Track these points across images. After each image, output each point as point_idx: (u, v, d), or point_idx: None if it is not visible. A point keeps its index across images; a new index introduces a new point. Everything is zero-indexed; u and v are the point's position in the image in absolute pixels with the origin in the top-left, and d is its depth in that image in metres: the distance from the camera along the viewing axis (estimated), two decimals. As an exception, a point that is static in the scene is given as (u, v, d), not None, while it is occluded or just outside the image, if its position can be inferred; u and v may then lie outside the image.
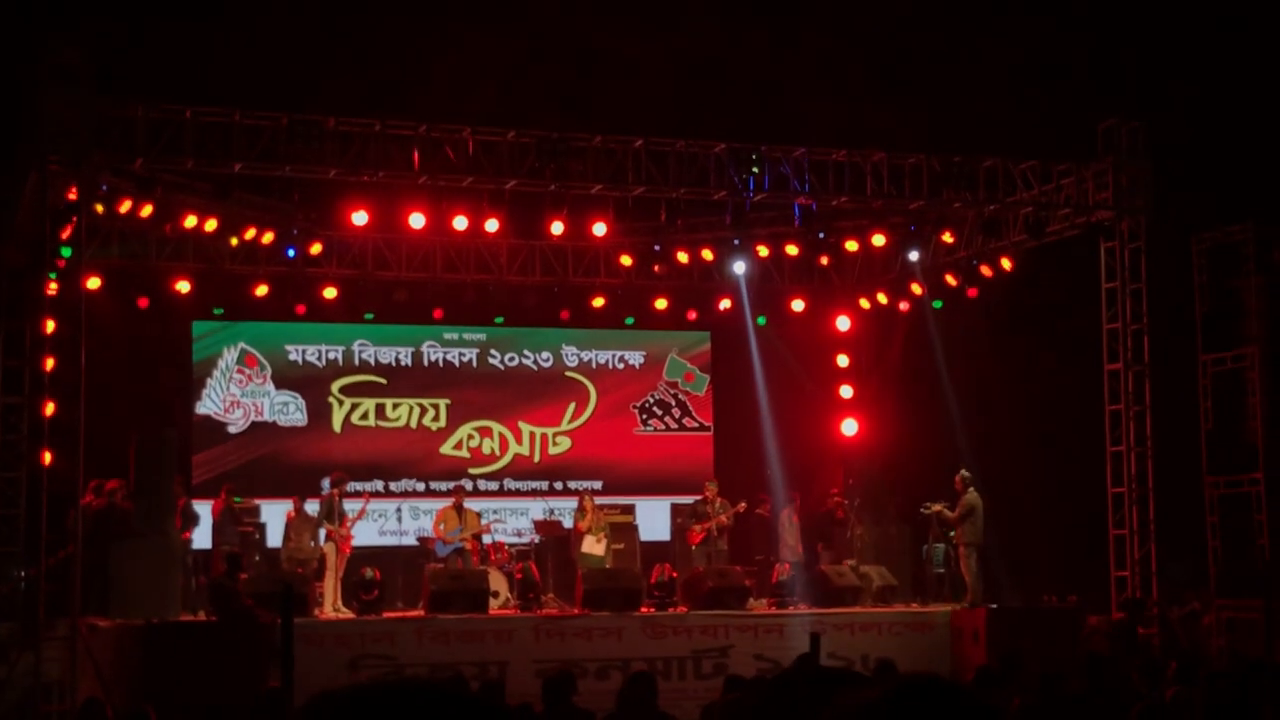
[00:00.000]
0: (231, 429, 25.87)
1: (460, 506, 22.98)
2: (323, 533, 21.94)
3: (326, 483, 22.62)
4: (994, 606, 21.03)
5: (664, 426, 28.43)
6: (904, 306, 26.03)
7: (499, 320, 26.47)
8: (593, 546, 23.24)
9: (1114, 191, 21.93)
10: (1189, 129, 23.68)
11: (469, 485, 25.62)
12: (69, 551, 18.29)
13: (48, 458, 18.38)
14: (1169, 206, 22.39)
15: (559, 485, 27.13)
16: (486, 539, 23.45)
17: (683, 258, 24.54)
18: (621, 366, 28.19)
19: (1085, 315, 22.93)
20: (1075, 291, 23.70)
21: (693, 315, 27.09)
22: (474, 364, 27.30)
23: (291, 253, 23.02)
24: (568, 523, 24.39)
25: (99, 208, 19.93)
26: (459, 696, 1.99)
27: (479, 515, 23.36)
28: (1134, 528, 21.77)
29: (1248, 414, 23.39)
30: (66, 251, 19.04)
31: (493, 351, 27.38)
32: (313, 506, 22.25)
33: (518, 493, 27.10)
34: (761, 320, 26.90)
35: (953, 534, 22.16)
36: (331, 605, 21.05)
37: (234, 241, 22.79)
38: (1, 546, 20.82)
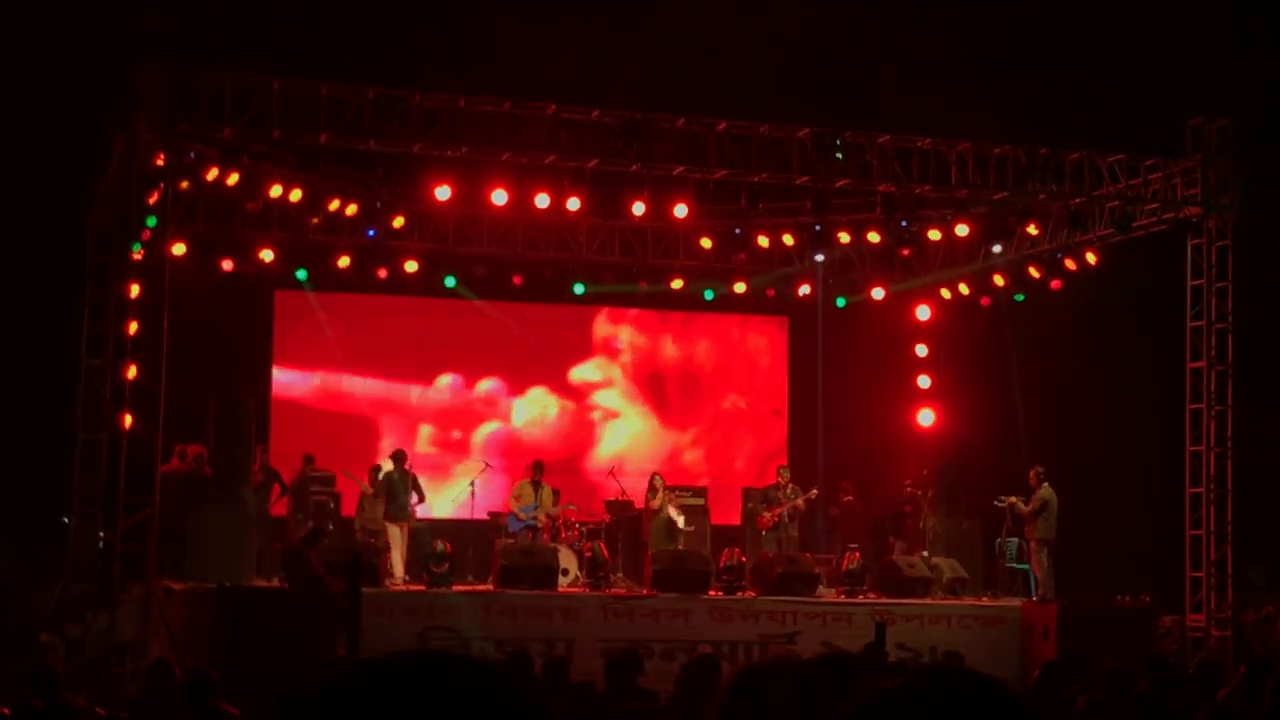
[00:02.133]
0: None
1: (537, 482, 23.07)
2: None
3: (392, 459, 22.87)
4: (1065, 603, 20.86)
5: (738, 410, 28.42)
6: (985, 301, 25.86)
7: (579, 289, 26.37)
8: (674, 516, 23.23)
9: (1202, 189, 21.66)
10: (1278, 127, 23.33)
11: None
12: (147, 514, 18.52)
13: (128, 421, 18.60)
14: (1256, 204, 22.06)
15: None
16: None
17: (763, 242, 24.49)
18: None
19: (1169, 312, 22.66)
20: (1159, 288, 23.42)
21: (770, 293, 27.00)
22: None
23: (371, 233, 23.22)
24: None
25: (185, 176, 20.11)
26: (491, 674, 2.00)
27: (555, 493, 23.41)
28: (1211, 529, 21.51)
29: (1331, 417, 23.06)
30: (152, 220, 19.24)
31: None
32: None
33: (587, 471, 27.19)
34: (841, 301, 26.82)
35: (1026, 529, 22.02)
36: (400, 577, 21.27)
37: (316, 219, 22.91)
38: (82, 507, 21.18)
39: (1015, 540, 22.89)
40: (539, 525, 22.73)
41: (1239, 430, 21.78)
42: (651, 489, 23.55)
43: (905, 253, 24.76)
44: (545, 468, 23.72)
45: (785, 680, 3.25)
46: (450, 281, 25.62)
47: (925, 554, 23.13)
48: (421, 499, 22.60)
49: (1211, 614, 21.27)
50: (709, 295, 27.13)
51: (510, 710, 1.96)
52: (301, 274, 24.81)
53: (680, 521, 23.23)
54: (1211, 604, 21.31)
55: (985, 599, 22.40)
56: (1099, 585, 22.51)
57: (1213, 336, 21.83)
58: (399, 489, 22.43)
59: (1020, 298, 24.97)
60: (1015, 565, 22.98)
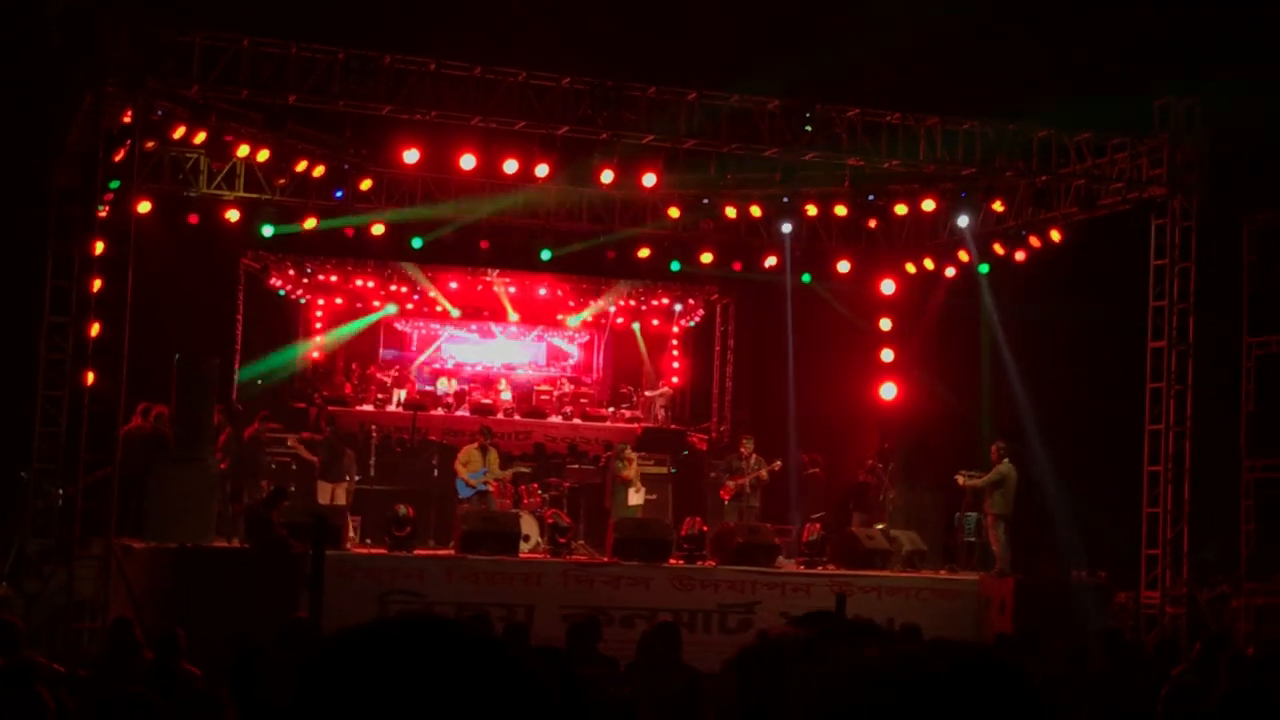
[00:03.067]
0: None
1: (485, 447, 23.12)
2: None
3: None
4: (1022, 578, 21.01)
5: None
6: (950, 272, 25.93)
7: (545, 255, 26.38)
8: (634, 498, 23.39)
9: (1168, 169, 21.77)
10: (1245, 110, 23.40)
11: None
12: (107, 471, 18.46)
13: (90, 378, 18.53)
14: (1221, 186, 22.17)
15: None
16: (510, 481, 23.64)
17: (731, 213, 24.51)
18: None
19: (1132, 291, 22.77)
20: (1122, 267, 23.54)
21: (738, 266, 27.08)
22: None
23: (339, 195, 23.13)
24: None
25: (151, 134, 19.98)
26: (484, 640, 2.01)
27: (506, 457, 23.51)
28: (1168, 507, 21.67)
29: (1290, 398, 23.25)
30: (117, 178, 19.14)
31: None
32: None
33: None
34: (806, 278, 26.89)
35: (984, 503, 22.15)
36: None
37: (283, 180, 22.82)
38: (42, 463, 21.08)
39: (974, 515, 23.05)
40: (489, 489, 22.80)
41: (1197, 410, 21.95)
42: (624, 459, 23.67)
43: (872, 225, 24.84)
44: (493, 433, 23.92)
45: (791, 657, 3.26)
46: (417, 243, 25.60)
47: (883, 526, 23.25)
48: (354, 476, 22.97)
49: (1166, 591, 21.45)
50: (675, 267, 27.16)
51: (513, 685, 1.98)
52: (267, 229, 24.67)
53: (639, 501, 23.41)
54: (1166, 582, 21.48)
55: (943, 572, 22.54)
56: (1056, 560, 22.65)
57: (1174, 317, 21.95)
58: (337, 451, 22.69)
59: (985, 269, 24.97)
60: (974, 539, 23.15)
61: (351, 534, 21.35)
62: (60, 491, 20.24)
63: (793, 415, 26.51)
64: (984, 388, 25.61)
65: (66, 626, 17.66)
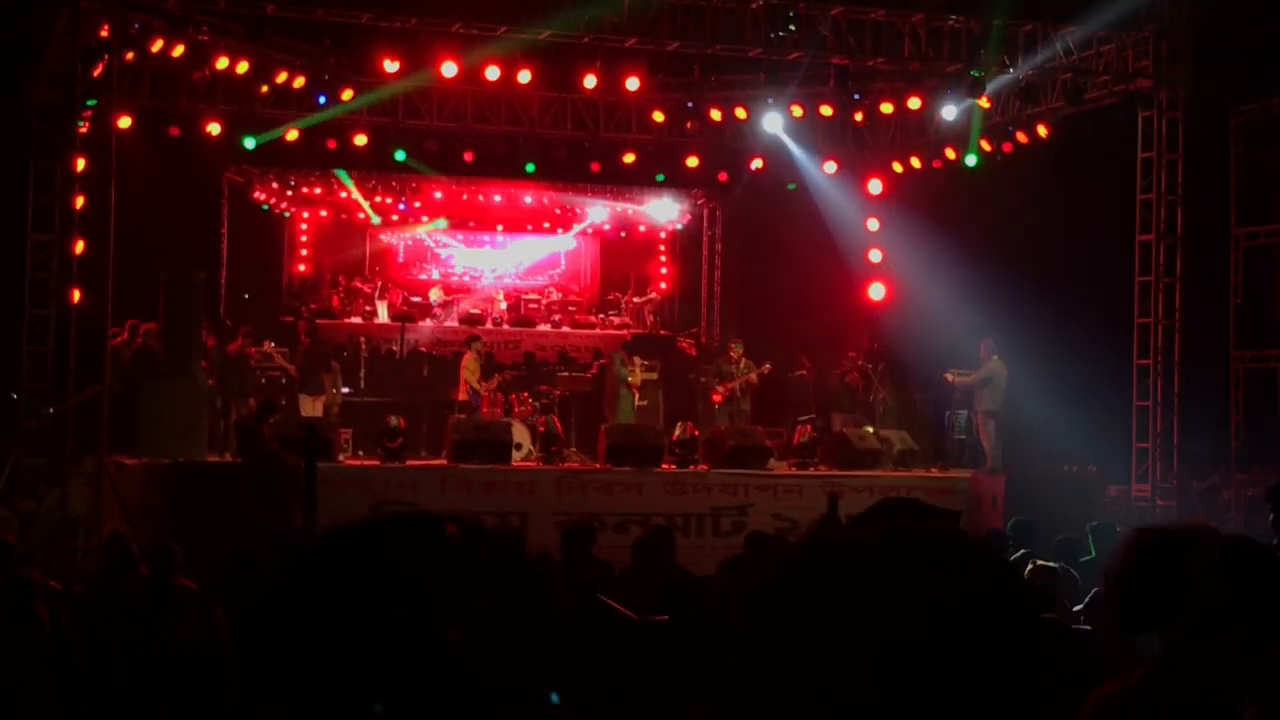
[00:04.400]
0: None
1: (481, 354, 23.21)
2: None
3: None
4: (1013, 473, 21.10)
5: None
6: (936, 164, 25.74)
7: (530, 168, 26.34)
8: (639, 401, 23.56)
9: (1154, 61, 21.63)
10: (1232, 0, 23.23)
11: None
12: (97, 390, 18.43)
13: (77, 295, 18.47)
14: (1209, 78, 22.04)
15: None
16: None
17: (715, 115, 24.37)
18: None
19: (1120, 184, 22.70)
20: (1110, 160, 23.44)
21: (724, 177, 27.01)
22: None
23: (323, 99, 22.87)
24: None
25: (129, 48, 19.79)
26: (485, 532, 2.00)
27: (486, 368, 23.70)
28: (1157, 400, 21.74)
29: (1278, 290, 23.28)
30: (96, 94, 18.98)
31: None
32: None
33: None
34: (791, 186, 26.79)
35: (974, 400, 22.20)
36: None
37: (265, 88, 22.64)
38: (31, 383, 21.07)
39: (964, 412, 23.09)
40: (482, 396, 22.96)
41: (1185, 302, 21.95)
42: (630, 366, 23.76)
43: (858, 118, 24.70)
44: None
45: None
46: (400, 155, 25.47)
47: (870, 428, 23.30)
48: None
49: (1156, 484, 21.56)
50: (660, 179, 27.10)
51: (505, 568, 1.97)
52: (249, 142, 24.51)
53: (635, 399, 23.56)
54: (1157, 475, 21.59)
55: (935, 470, 22.63)
56: (1047, 455, 22.73)
57: (1162, 209, 21.90)
58: (314, 362, 22.76)
59: (974, 157, 24.66)
60: (964, 437, 23.21)
61: (344, 445, 21.40)
62: (51, 410, 20.23)
63: (781, 318, 26.51)
64: (971, 286, 25.56)
65: (61, 544, 17.70)
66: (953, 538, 2.03)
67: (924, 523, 2.09)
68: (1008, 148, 23.93)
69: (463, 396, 22.95)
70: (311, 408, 22.43)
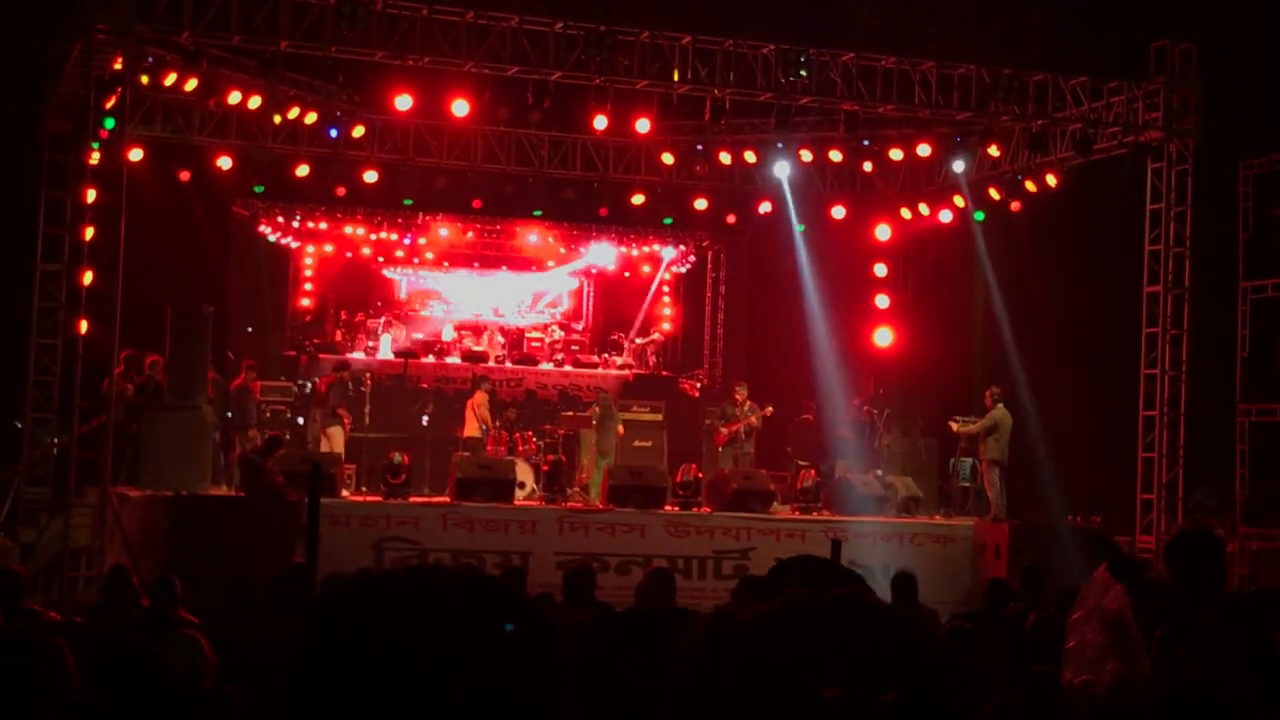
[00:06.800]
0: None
1: (493, 394, 23.28)
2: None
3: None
4: (1017, 523, 21.04)
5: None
6: (946, 218, 25.83)
7: (537, 213, 26.48)
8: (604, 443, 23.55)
9: (1164, 112, 21.67)
10: (1242, 54, 23.30)
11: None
12: (102, 420, 18.44)
13: (84, 326, 18.48)
14: (1218, 131, 22.08)
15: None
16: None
17: (725, 158, 24.45)
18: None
19: (1128, 236, 22.72)
20: (1119, 211, 23.46)
21: (732, 219, 27.07)
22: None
23: (334, 133, 22.93)
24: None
25: (143, 79, 19.87)
26: (485, 582, 1.99)
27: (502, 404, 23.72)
28: (1163, 451, 21.68)
29: (1285, 343, 23.27)
30: (110, 122, 19.04)
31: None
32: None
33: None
34: (800, 228, 26.81)
35: (979, 448, 22.17)
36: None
37: (276, 120, 22.74)
38: (37, 412, 21.06)
39: (969, 460, 23.05)
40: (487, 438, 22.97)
41: (1193, 355, 21.92)
42: (612, 415, 23.79)
43: (867, 168, 24.78)
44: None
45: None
46: (408, 202, 25.70)
47: (879, 472, 23.28)
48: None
49: (1161, 535, 21.47)
50: (668, 221, 27.18)
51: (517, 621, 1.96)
52: (259, 190, 24.75)
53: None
54: (1161, 526, 21.52)
55: (938, 517, 22.58)
56: (1051, 505, 22.67)
57: (1170, 261, 21.91)
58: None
59: (980, 216, 24.92)
60: (968, 485, 23.16)
61: (348, 480, 21.37)
62: (55, 440, 20.23)
63: (785, 362, 26.50)
64: (978, 333, 25.57)
65: (63, 575, 17.68)
66: (851, 608, 2.03)
67: (823, 593, 2.10)
68: (1016, 206, 23.94)
69: (469, 433, 22.94)
70: (337, 442, 22.42)
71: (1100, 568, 8.11)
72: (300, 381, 24.64)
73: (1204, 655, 5.99)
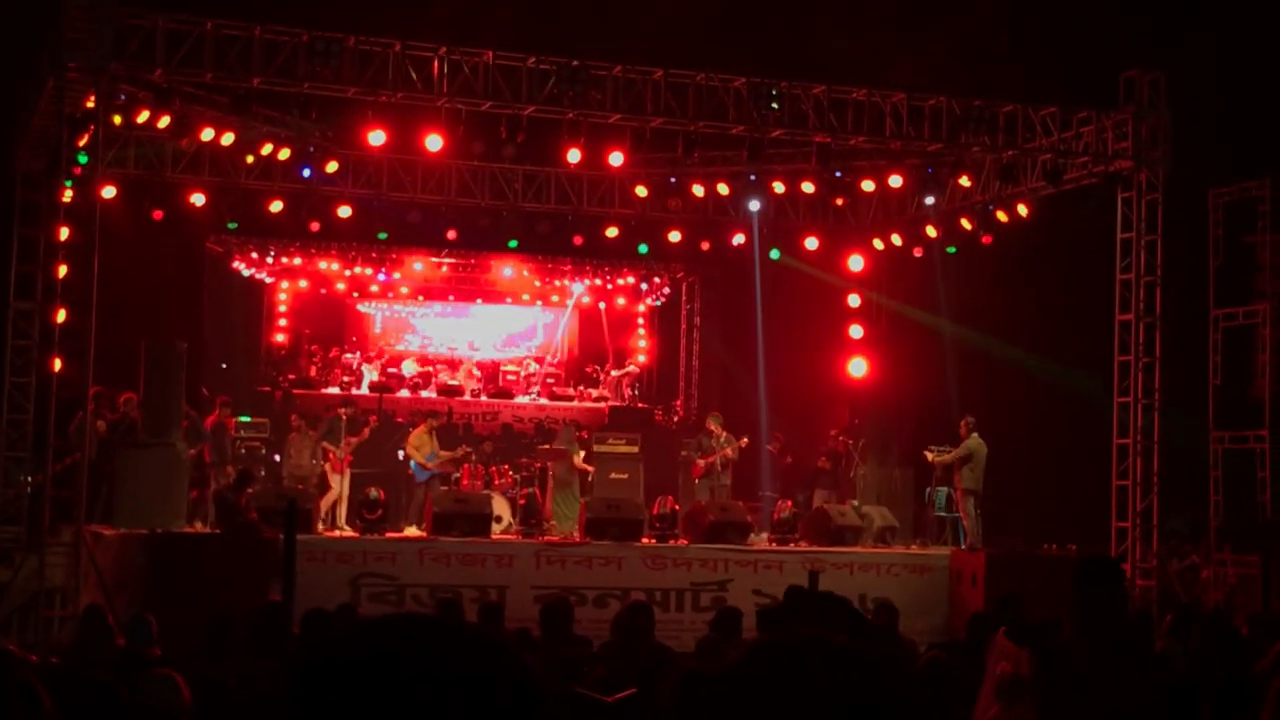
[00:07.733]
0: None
1: (433, 430, 23.12)
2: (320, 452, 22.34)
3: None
4: (993, 552, 21.07)
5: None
6: (918, 251, 25.93)
7: (512, 244, 26.52)
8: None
9: (1133, 142, 21.81)
10: (1210, 83, 23.47)
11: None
12: (76, 459, 18.37)
13: (57, 364, 18.43)
14: (1187, 159, 22.23)
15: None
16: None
17: (698, 191, 24.53)
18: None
19: (1099, 265, 22.83)
20: (1090, 241, 23.58)
21: (706, 246, 27.14)
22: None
23: (307, 173, 22.95)
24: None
25: (116, 117, 19.86)
26: (463, 632, 2.00)
27: (458, 443, 23.65)
28: (1137, 479, 21.76)
29: (1256, 370, 23.42)
30: (82, 159, 19.03)
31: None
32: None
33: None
34: (776, 254, 26.88)
35: (954, 478, 22.22)
36: (338, 523, 21.30)
37: (250, 158, 22.76)
38: (10, 451, 20.96)
39: (944, 489, 23.11)
40: (442, 473, 22.85)
41: (1165, 382, 22.02)
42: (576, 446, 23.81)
43: (839, 202, 24.89)
44: (439, 414, 24.10)
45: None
46: (382, 235, 25.71)
47: (855, 503, 23.31)
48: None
49: (1137, 564, 21.54)
50: (643, 250, 27.21)
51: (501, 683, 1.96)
52: (233, 225, 24.78)
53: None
54: (1137, 554, 21.58)
55: (914, 547, 22.60)
56: (1026, 534, 22.74)
57: (1141, 289, 22.02)
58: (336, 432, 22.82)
59: (953, 250, 25.07)
60: (944, 514, 23.22)
61: (324, 516, 21.33)
62: (29, 479, 20.14)
63: (761, 393, 26.56)
64: (951, 363, 25.66)
65: (37, 614, 17.59)
66: (819, 652, 2.05)
67: (789, 637, 2.11)
68: (987, 239, 24.03)
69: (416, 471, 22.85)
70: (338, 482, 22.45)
71: (999, 633, 8.34)
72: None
73: (1098, 696, 6.10)
